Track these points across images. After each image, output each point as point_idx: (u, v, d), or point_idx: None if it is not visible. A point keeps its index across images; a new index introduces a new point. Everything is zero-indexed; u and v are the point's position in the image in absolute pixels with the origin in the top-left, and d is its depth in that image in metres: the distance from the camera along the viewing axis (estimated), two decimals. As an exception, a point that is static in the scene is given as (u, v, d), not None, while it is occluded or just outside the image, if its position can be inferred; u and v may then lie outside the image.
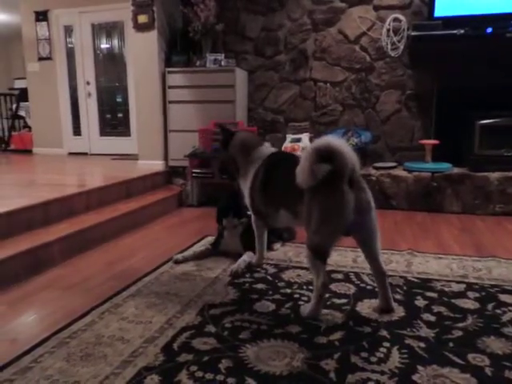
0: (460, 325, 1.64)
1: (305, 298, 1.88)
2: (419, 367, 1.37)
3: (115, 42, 5.54)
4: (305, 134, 3.93)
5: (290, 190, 1.74)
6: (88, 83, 5.59)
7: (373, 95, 4.16)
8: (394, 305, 1.77)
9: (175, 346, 1.51)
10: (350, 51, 4.16)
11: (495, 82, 3.56)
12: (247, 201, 2.16)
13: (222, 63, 4.11)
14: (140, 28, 4.11)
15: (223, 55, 4.15)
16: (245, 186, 2.15)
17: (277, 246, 2.60)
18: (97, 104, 5.65)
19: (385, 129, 4.17)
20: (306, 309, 1.74)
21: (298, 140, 3.86)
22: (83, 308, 1.81)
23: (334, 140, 1.57)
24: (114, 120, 5.72)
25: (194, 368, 1.37)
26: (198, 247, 2.54)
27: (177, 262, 2.36)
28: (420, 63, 3.94)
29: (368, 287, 2.01)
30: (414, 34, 3.71)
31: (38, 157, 5.52)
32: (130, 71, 5.16)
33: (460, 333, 1.58)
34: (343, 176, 1.55)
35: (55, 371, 1.37)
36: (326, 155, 1.53)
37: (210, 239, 2.62)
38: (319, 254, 1.65)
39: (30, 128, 6.30)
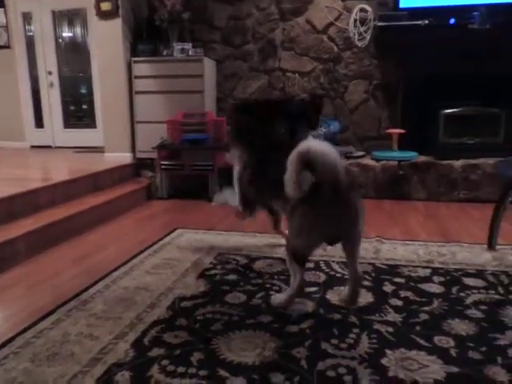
0: (426, 308, 1.69)
1: (276, 288, 1.89)
2: (387, 351, 1.40)
3: (78, 30, 5.35)
4: (274, 124, 3.92)
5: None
6: (50, 73, 5.38)
7: (341, 85, 4.19)
8: (363, 291, 1.81)
9: (146, 340, 1.49)
10: (318, 41, 4.17)
11: (459, 71, 3.66)
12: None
13: (190, 52, 4.04)
14: (103, 15, 3.97)
15: (191, 44, 4.08)
16: None
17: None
18: (60, 95, 5.44)
19: (353, 118, 4.22)
20: (276, 299, 1.74)
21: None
22: (49, 306, 1.75)
23: (315, 145, 1.45)
24: (79, 111, 5.54)
25: (165, 362, 1.36)
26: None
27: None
28: (386, 53, 4.00)
29: (338, 275, 2.04)
30: (380, 24, 3.76)
31: (-1, 150, 5.30)
32: (94, 61, 4.99)
33: (426, 316, 1.63)
34: (326, 185, 1.44)
35: (19, 373, 1.32)
36: (308, 162, 1.42)
37: (180, 231, 2.59)
38: (297, 258, 1.63)
39: (-12, 120, 6.03)
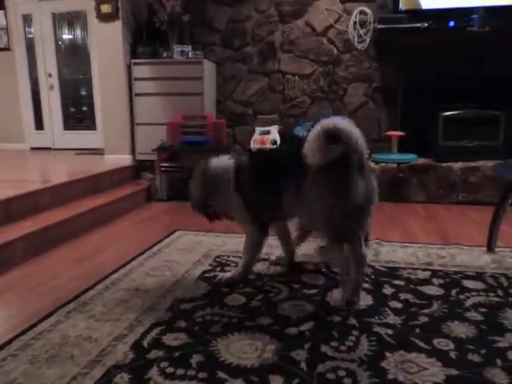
0: (426, 311, 1.69)
1: (275, 290, 1.89)
2: (387, 353, 1.40)
3: (78, 33, 5.36)
4: (273, 126, 3.94)
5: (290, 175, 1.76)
6: (50, 75, 5.39)
7: (340, 88, 4.20)
8: (362, 293, 1.81)
9: (145, 342, 1.48)
10: (318, 44, 4.18)
11: (458, 74, 3.67)
12: (236, 214, 1.95)
13: (190, 55, 4.05)
14: (103, 18, 3.98)
15: (190, 47, 4.08)
16: (228, 202, 1.93)
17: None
18: (60, 97, 5.45)
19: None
20: (336, 301, 1.75)
21: (267, 132, 3.86)
22: (49, 308, 1.75)
23: (341, 121, 1.58)
24: (79, 113, 5.55)
25: (164, 364, 1.35)
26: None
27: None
28: (386, 56, 4.01)
29: (337, 277, 2.04)
30: (379, 26, 3.77)
31: (-2, 152, 5.30)
32: (94, 63, 5.00)
33: (426, 319, 1.63)
34: (352, 159, 1.57)
35: (19, 374, 1.32)
36: (333, 135, 1.55)
37: (180, 233, 2.59)
38: (339, 236, 1.68)
39: (-12, 122, 6.03)
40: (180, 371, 1.32)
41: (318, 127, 1.58)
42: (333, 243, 1.71)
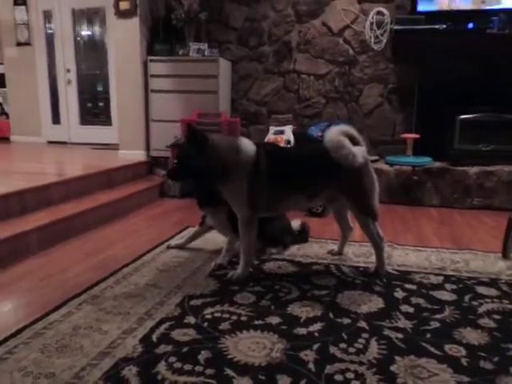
0: (437, 316, 1.67)
1: (285, 290, 1.88)
2: (397, 358, 1.38)
3: (96, 29, 5.40)
4: (288, 126, 3.92)
5: (314, 175, 1.96)
6: (68, 70, 5.44)
7: (356, 88, 4.17)
8: (373, 296, 1.79)
9: (154, 337, 1.49)
10: (334, 44, 4.15)
11: (476, 77, 3.61)
12: (242, 201, 1.92)
13: (206, 53, 4.05)
14: (122, 14, 4.01)
15: (206, 44, 4.09)
16: (239, 187, 1.91)
17: (273, 250, 2.36)
18: (77, 92, 5.50)
19: (367, 122, 4.19)
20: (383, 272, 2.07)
21: (281, 132, 3.85)
22: (60, 299, 1.77)
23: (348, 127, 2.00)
24: (95, 109, 5.60)
25: (172, 359, 1.36)
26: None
27: (169, 247, 2.43)
28: (402, 57, 3.96)
29: (348, 279, 2.02)
30: (396, 27, 3.73)
31: (16, 145, 5.37)
32: (112, 59, 5.04)
33: (437, 324, 1.61)
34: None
35: (29, 362, 1.34)
36: (351, 136, 1.94)
37: (192, 230, 2.60)
38: (375, 214, 2.03)
39: (7, 115, 6.12)
40: (188, 367, 1.32)
41: (335, 135, 1.96)
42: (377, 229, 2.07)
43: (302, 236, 2.53)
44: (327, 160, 1.90)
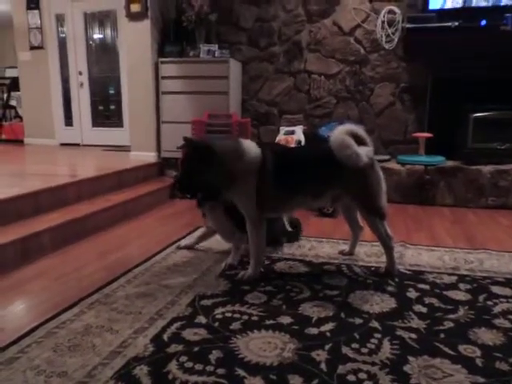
0: (451, 316, 1.64)
1: (296, 290, 1.87)
2: (410, 358, 1.36)
3: (108, 32, 5.45)
4: (298, 126, 3.90)
5: (319, 174, 1.95)
6: (80, 73, 5.51)
7: (367, 88, 4.14)
8: (386, 296, 1.77)
9: (165, 336, 1.49)
10: (345, 43, 4.13)
11: (489, 74, 3.56)
12: (250, 203, 1.92)
13: (216, 54, 4.06)
14: (133, 17, 4.04)
15: (217, 46, 4.10)
16: (246, 190, 1.91)
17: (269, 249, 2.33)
18: (89, 94, 5.57)
19: (378, 122, 4.16)
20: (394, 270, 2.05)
21: (292, 132, 3.83)
22: (73, 298, 1.79)
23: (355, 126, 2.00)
24: (107, 111, 5.65)
25: (183, 359, 1.36)
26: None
27: (179, 248, 2.43)
28: (414, 56, 3.92)
29: (360, 279, 2.01)
30: (408, 26, 3.69)
31: (29, 147, 5.44)
32: (123, 61, 5.08)
33: (451, 324, 1.58)
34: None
35: (42, 361, 1.35)
36: (356, 136, 1.94)
37: (203, 230, 2.60)
38: (383, 214, 2.01)
39: (21, 118, 6.21)
40: (199, 366, 1.32)
41: (341, 134, 1.95)
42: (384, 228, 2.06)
43: (294, 234, 2.55)
44: (332, 160, 1.89)
